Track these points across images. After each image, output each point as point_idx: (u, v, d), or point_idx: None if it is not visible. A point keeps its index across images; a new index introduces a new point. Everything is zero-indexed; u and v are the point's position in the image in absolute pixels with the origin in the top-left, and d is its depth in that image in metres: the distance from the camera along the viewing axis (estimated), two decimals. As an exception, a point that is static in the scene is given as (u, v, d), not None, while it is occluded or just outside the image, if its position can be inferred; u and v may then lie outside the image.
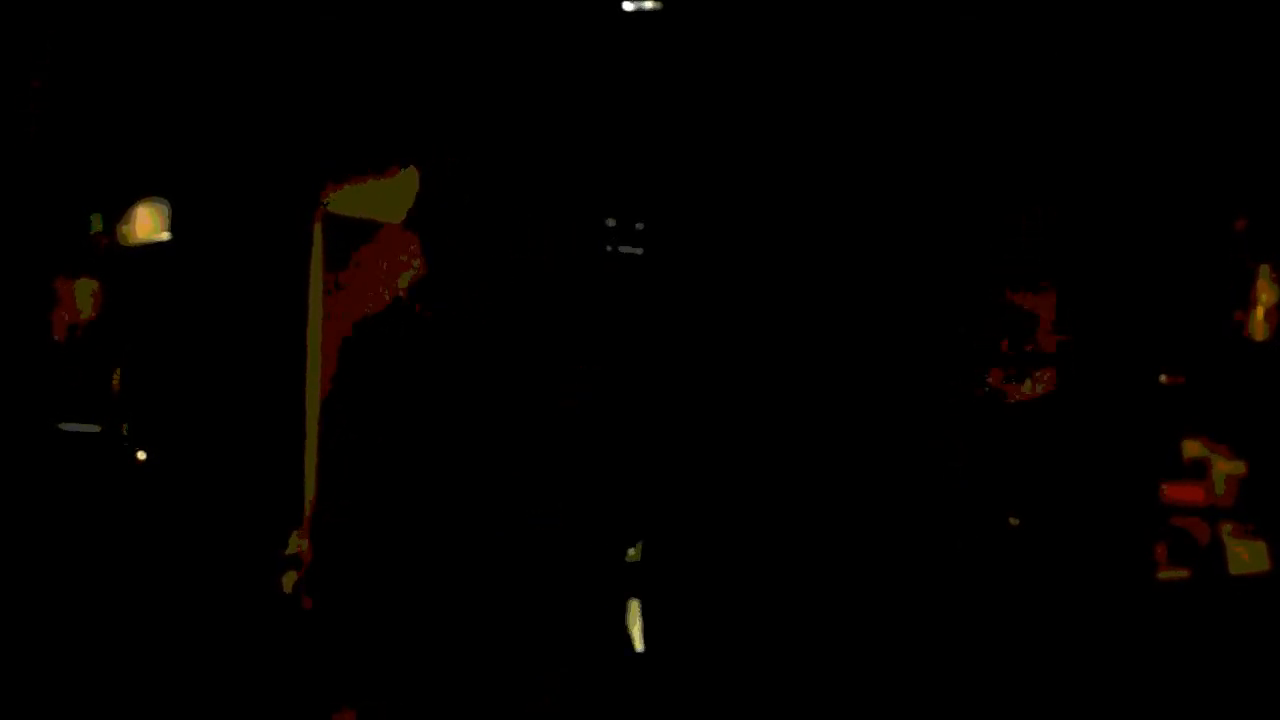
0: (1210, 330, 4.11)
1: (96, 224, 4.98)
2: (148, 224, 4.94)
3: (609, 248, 3.88)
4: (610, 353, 3.48)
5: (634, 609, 3.68)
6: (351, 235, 4.56)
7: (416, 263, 3.91)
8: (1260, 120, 3.98)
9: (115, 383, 4.87)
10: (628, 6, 4.06)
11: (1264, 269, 4.13)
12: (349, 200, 4.55)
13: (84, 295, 4.93)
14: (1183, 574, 4.01)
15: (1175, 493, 4.05)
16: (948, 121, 3.82)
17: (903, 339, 3.86)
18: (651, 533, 3.72)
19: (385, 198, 4.49)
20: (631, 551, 3.66)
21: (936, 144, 3.83)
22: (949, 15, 3.80)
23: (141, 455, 4.63)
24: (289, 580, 3.91)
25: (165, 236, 4.81)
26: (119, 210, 4.97)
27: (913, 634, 3.73)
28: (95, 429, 4.75)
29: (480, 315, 2.98)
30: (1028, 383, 3.89)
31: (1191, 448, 4.09)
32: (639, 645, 3.69)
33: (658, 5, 4.05)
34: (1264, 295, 4.13)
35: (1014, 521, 3.80)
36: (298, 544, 3.94)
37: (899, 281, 3.84)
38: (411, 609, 3.61)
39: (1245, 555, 4.04)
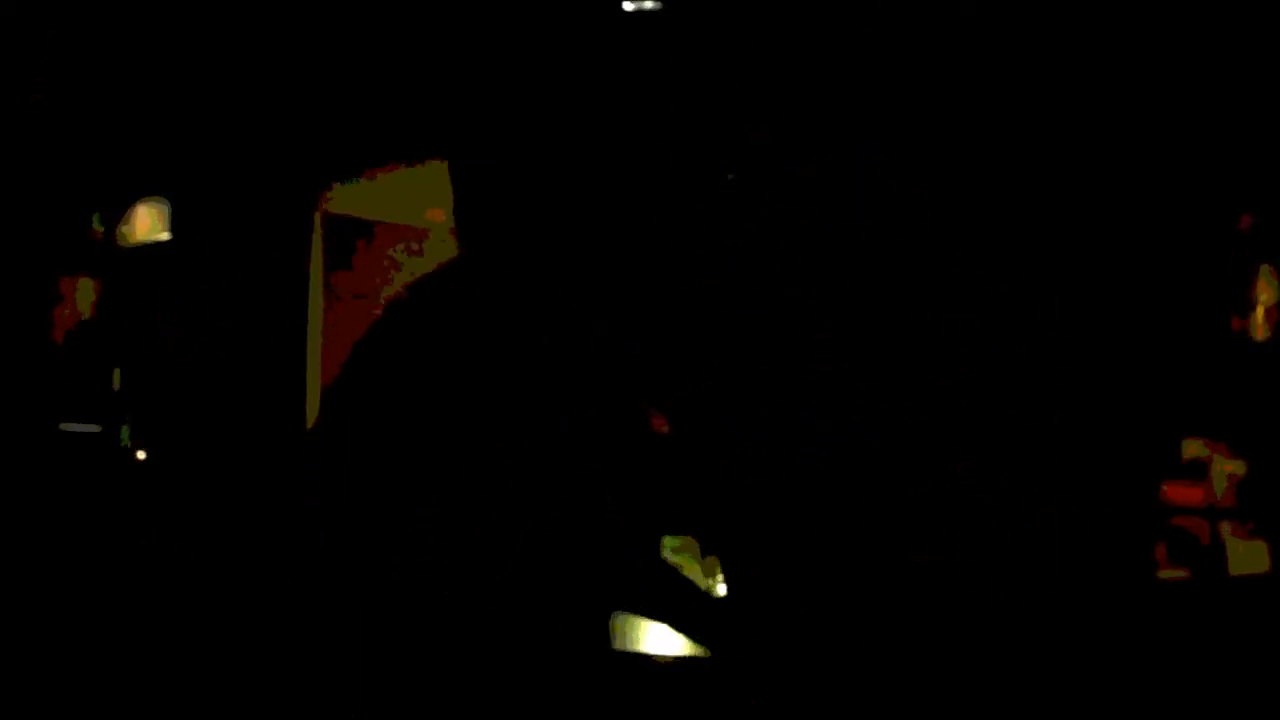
0: (1210, 330, 4.11)
1: (96, 224, 4.98)
2: (148, 224, 4.95)
3: (608, 248, 3.88)
4: (626, 356, 3.47)
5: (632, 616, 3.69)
6: (351, 235, 4.57)
7: (414, 261, 3.91)
8: (1261, 119, 3.98)
9: (115, 383, 4.88)
10: (628, 6, 4.06)
11: (1264, 269, 4.14)
12: (349, 200, 4.55)
13: (84, 295, 4.94)
14: (1183, 574, 4.01)
15: (1175, 493, 4.05)
16: (948, 118, 3.82)
17: (903, 339, 3.86)
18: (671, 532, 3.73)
19: (385, 197, 4.50)
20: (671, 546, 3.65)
21: (939, 141, 3.83)
22: (950, 11, 3.81)
23: (141, 455, 4.64)
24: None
25: (165, 236, 4.82)
26: (119, 210, 4.97)
27: (912, 634, 3.73)
28: (95, 429, 4.75)
29: (475, 315, 2.99)
30: (1026, 381, 3.89)
31: (1191, 448, 4.10)
32: (643, 644, 3.70)
33: (658, 5, 4.05)
34: (1264, 295, 4.13)
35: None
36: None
37: (898, 280, 3.84)
38: (410, 609, 3.61)
39: (1245, 555, 4.04)
